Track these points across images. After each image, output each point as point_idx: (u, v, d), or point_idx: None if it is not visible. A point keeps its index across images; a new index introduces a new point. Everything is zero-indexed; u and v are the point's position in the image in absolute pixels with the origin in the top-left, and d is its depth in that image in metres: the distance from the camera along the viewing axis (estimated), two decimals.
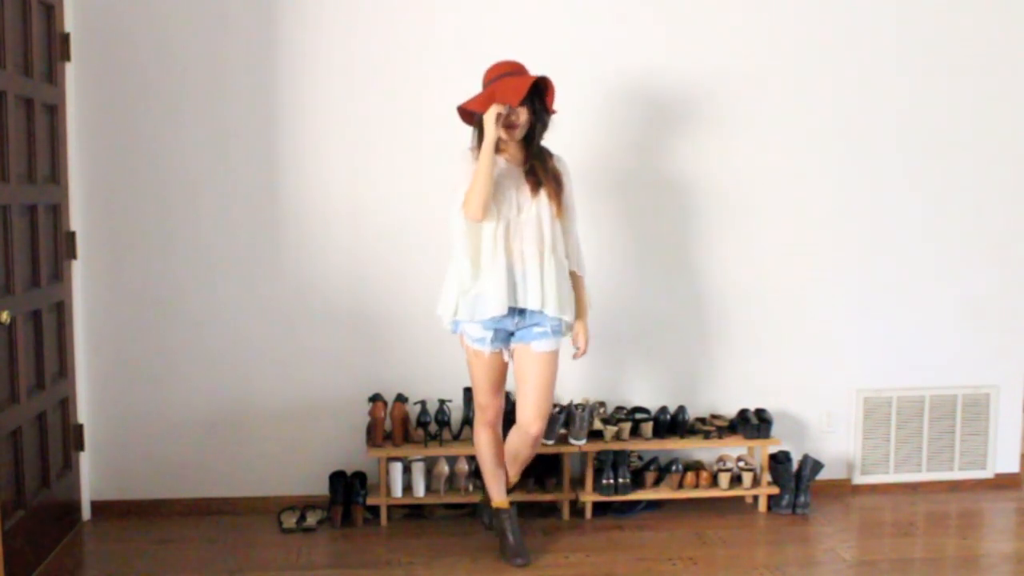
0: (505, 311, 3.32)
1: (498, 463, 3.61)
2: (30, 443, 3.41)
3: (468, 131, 3.81)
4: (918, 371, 4.35)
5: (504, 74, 3.33)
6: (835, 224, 4.25)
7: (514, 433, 3.56)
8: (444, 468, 3.91)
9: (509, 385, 3.61)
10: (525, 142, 3.40)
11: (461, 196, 3.32)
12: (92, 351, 3.90)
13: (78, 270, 3.86)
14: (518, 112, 3.31)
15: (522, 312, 3.39)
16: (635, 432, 4.06)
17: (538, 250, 3.34)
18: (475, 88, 3.55)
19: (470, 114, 3.43)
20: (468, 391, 3.98)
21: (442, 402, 3.92)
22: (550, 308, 3.34)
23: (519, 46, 3.79)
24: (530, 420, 3.44)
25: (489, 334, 3.40)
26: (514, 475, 3.69)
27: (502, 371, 3.50)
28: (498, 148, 3.36)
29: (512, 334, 3.44)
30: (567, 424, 3.93)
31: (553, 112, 3.41)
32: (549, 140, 3.46)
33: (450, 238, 3.41)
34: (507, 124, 3.31)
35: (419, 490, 3.91)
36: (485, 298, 3.33)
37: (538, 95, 3.34)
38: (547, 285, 3.34)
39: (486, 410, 3.54)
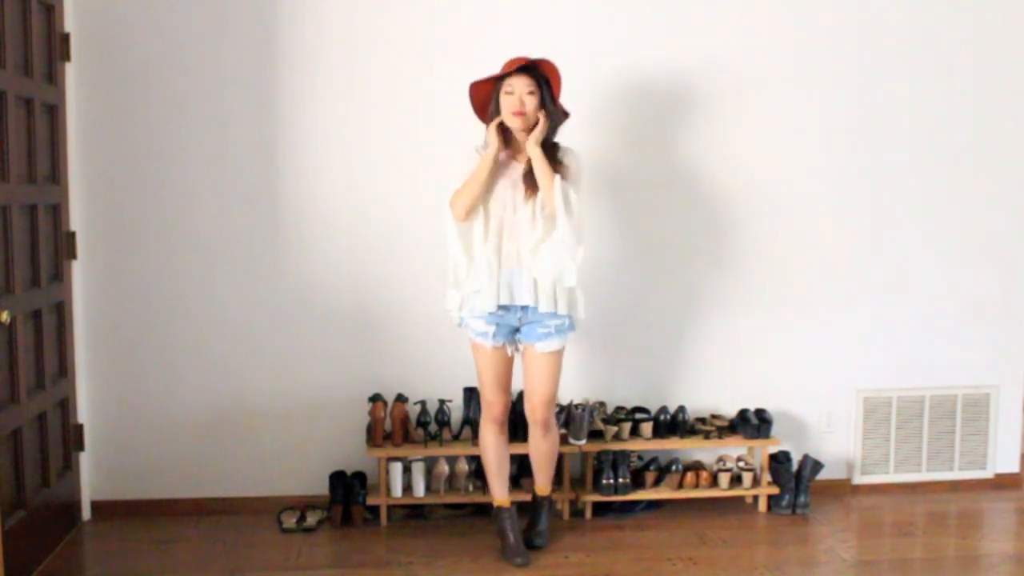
0: (495, 308, 3.37)
1: (501, 461, 3.63)
2: (30, 443, 3.41)
3: (469, 129, 3.82)
4: (918, 371, 4.35)
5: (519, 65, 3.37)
6: (835, 224, 4.24)
7: (530, 438, 3.62)
8: (444, 468, 3.91)
9: (517, 384, 3.61)
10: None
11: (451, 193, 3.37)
12: (92, 351, 3.90)
13: (78, 270, 3.86)
14: (523, 100, 3.33)
15: (524, 308, 3.41)
16: (635, 432, 4.06)
17: (530, 249, 3.37)
18: None
19: (482, 110, 3.46)
20: (468, 391, 3.98)
21: (442, 402, 3.92)
22: (542, 305, 3.36)
23: (521, 46, 3.78)
24: (535, 406, 3.51)
25: (492, 328, 3.42)
26: (542, 485, 3.70)
27: (507, 366, 3.52)
28: (507, 143, 3.40)
29: (517, 330, 3.46)
30: (567, 424, 3.93)
31: (567, 114, 3.46)
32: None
33: (442, 231, 3.43)
34: (515, 112, 3.33)
35: (419, 490, 3.91)
36: (479, 294, 3.38)
37: (547, 88, 3.37)
38: (540, 283, 3.37)
39: (492, 406, 3.55)
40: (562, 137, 3.50)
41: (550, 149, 3.41)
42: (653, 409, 4.14)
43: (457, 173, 3.41)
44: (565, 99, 3.48)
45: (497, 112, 3.37)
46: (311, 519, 3.88)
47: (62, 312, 3.72)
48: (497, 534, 3.65)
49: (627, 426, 4.02)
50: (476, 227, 3.40)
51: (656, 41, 4.07)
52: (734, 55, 4.11)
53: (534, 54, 3.43)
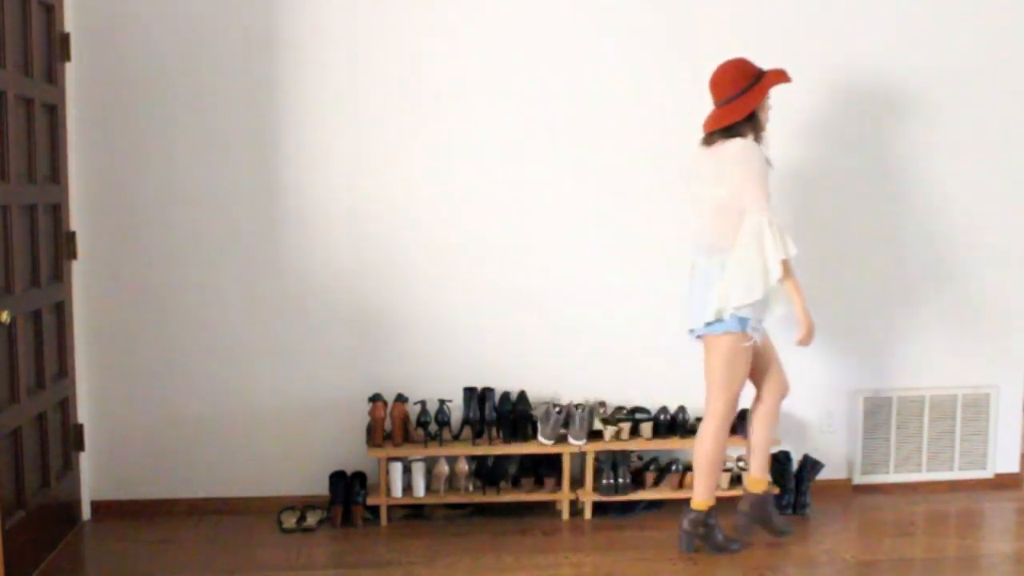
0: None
1: None
2: (30, 443, 3.41)
3: (470, 128, 3.84)
4: (918, 371, 4.35)
5: (761, 70, 3.47)
6: (835, 224, 4.24)
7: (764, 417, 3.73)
8: (444, 468, 3.90)
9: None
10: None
11: (766, 201, 3.39)
12: (92, 351, 3.90)
13: (78, 270, 3.86)
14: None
15: None
16: (635, 432, 4.06)
17: None
18: (480, 87, 3.72)
19: (748, 106, 3.47)
20: (468, 391, 3.97)
21: (442, 402, 3.91)
22: None
23: (531, 43, 3.79)
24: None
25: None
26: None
27: None
28: (759, 135, 3.51)
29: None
30: (567, 424, 3.93)
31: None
32: None
33: (746, 230, 3.39)
34: (768, 120, 3.52)
35: (419, 490, 3.91)
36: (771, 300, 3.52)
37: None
38: None
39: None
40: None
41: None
42: (653, 409, 4.14)
43: (755, 173, 3.39)
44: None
45: (758, 112, 3.47)
46: (311, 519, 3.88)
47: (62, 312, 3.72)
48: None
49: (627, 426, 4.02)
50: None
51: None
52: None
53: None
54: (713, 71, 3.52)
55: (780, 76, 3.46)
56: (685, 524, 3.65)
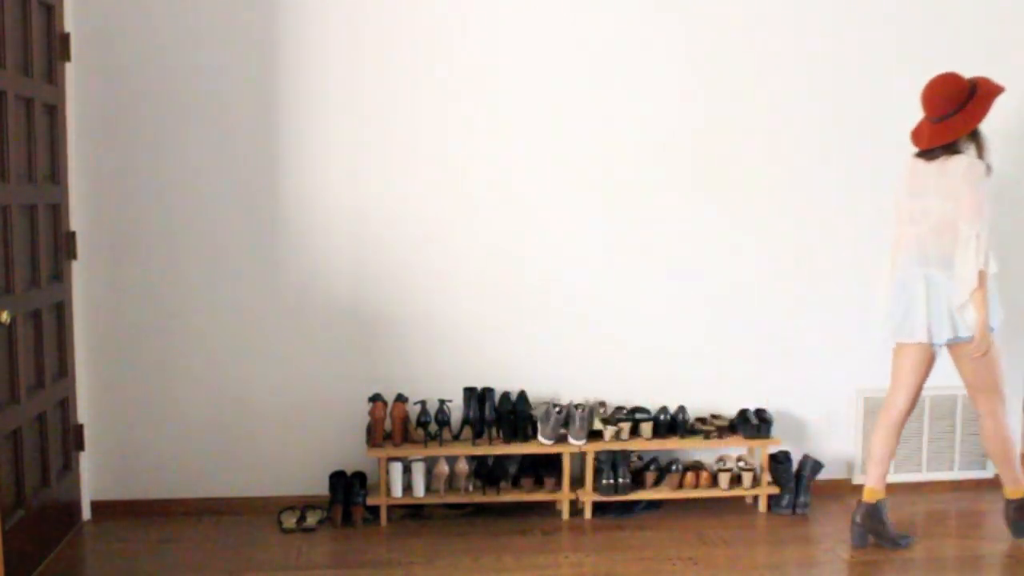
0: None
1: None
2: (30, 443, 3.41)
3: (468, 128, 3.83)
4: None
5: (974, 83, 3.51)
6: (835, 224, 4.24)
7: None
8: (444, 468, 3.90)
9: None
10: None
11: (986, 224, 3.48)
12: (92, 351, 3.90)
13: (78, 270, 3.86)
14: None
15: None
16: (635, 432, 4.06)
17: None
18: (479, 90, 3.74)
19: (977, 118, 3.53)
20: (468, 391, 3.98)
21: (442, 402, 3.91)
22: None
23: (522, 49, 3.79)
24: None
25: None
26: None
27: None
28: (981, 148, 3.56)
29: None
30: (567, 424, 3.93)
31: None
32: None
33: (977, 255, 3.48)
34: None
35: (419, 490, 3.91)
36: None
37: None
38: None
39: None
40: None
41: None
42: (653, 409, 4.14)
43: (980, 195, 3.47)
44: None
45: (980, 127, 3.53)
46: (311, 519, 3.88)
47: (62, 312, 3.72)
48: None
49: (627, 426, 4.02)
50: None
51: None
52: None
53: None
54: (925, 86, 3.53)
55: (996, 87, 3.50)
56: (1007, 511, 3.77)
